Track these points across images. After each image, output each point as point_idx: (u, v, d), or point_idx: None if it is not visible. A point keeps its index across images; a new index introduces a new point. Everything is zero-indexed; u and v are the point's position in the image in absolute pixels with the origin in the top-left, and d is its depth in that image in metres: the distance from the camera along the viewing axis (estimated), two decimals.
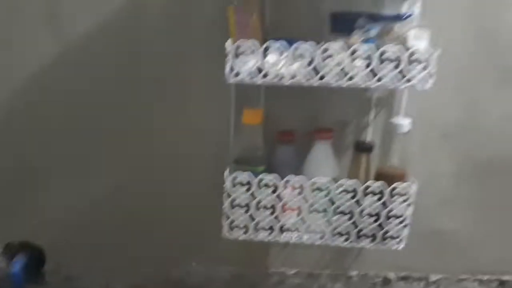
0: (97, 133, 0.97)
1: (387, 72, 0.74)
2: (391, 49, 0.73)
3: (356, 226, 0.86)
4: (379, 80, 0.75)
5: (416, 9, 0.83)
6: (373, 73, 0.74)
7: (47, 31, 0.91)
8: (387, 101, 0.92)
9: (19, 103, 0.95)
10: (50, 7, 0.90)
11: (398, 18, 0.81)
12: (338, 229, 0.86)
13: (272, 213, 0.85)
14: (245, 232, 0.87)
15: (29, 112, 0.96)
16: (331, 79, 0.75)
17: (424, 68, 0.74)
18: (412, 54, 0.73)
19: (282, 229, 0.87)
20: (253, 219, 0.85)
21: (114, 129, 0.96)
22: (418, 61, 0.74)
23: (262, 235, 0.87)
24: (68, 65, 0.93)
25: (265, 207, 0.85)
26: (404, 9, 0.84)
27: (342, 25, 0.79)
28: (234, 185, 0.83)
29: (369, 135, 0.93)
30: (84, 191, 1.00)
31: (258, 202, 0.84)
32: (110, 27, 0.90)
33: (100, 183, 1.00)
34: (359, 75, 0.75)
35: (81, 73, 0.93)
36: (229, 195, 0.84)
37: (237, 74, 0.76)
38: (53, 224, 1.02)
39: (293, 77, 0.76)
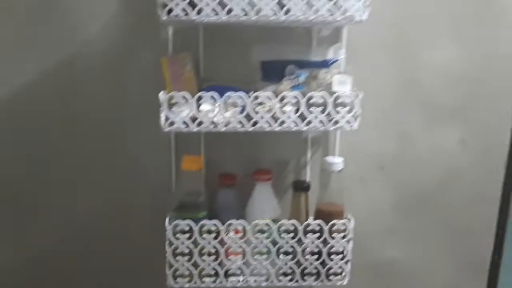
0: (36, 186, 0.94)
1: (315, 116, 0.78)
2: (317, 95, 0.77)
3: (299, 265, 0.87)
4: (308, 123, 0.78)
5: (341, 55, 0.89)
6: (302, 117, 0.78)
7: None
8: (322, 140, 0.96)
9: None
10: None
11: (325, 64, 0.86)
12: (283, 270, 0.87)
13: (216, 258, 0.85)
14: (190, 280, 0.85)
15: None
16: (263, 125, 0.78)
17: (350, 111, 0.79)
18: (337, 98, 0.78)
19: (227, 274, 0.86)
20: (197, 266, 0.85)
21: (53, 179, 0.94)
22: (343, 105, 0.78)
23: (208, 282, 0.86)
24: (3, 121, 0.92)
25: (209, 253, 0.84)
26: (330, 55, 0.89)
27: (272, 72, 0.83)
28: (175, 233, 0.83)
29: (308, 174, 0.96)
30: (22, 246, 0.97)
31: (201, 249, 0.84)
32: (47, 80, 0.90)
33: (39, 234, 0.96)
34: (290, 120, 0.78)
35: (19, 125, 0.92)
36: (171, 244, 0.83)
37: (172, 123, 0.77)
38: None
39: (227, 124, 0.78)
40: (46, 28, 0.88)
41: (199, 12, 0.72)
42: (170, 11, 0.72)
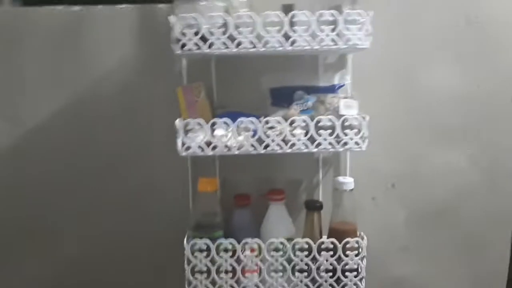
0: (60, 206, 0.99)
1: (324, 139, 0.81)
2: (325, 118, 0.81)
3: (315, 283, 0.89)
4: (318, 145, 0.82)
5: (347, 80, 0.92)
6: (312, 139, 0.81)
7: (7, 123, 0.97)
8: (334, 161, 0.99)
9: None
10: (9, 101, 0.96)
11: (332, 89, 0.90)
12: (298, 287, 0.89)
13: (233, 276, 0.88)
14: None
15: None
16: (275, 147, 0.82)
17: (357, 133, 0.82)
18: (344, 121, 0.81)
19: None
20: (215, 283, 0.88)
21: (79, 200, 0.99)
22: (351, 127, 0.81)
23: None
24: (30, 151, 0.97)
25: (226, 271, 0.87)
26: (336, 81, 0.93)
27: (281, 98, 0.87)
28: (193, 252, 0.86)
29: (320, 194, 0.99)
30: (39, 267, 1.01)
31: (219, 267, 0.87)
32: (71, 108, 0.96)
33: (58, 255, 1.01)
34: (300, 142, 0.81)
35: (42, 156, 0.98)
36: (189, 262, 0.87)
37: (188, 148, 0.82)
38: None
39: (240, 147, 0.82)
40: (67, 63, 0.95)
41: (210, 46, 0.77)
42: (183, 45, 0.78)
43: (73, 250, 1.01)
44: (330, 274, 0.88)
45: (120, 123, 0.97)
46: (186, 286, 0.88)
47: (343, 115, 0.81)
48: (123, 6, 0.93)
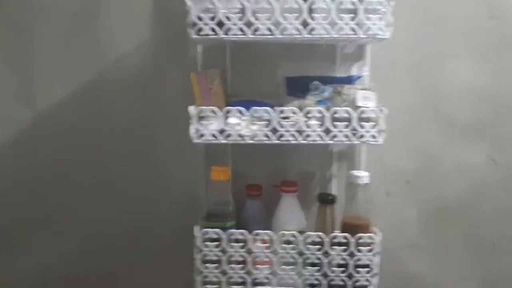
0: (72, 192, 1.00)
1: (340, 131, 0.80)
2: (341, 110, 0.79)
3: (326, 277, 0.87)
4: (333, 137, 0.80)
5: (365, 72, 0.91)
6: (327, 131, 0.80)
7: (21, 105, 0.97)
8: (348, 155, 0.97)
9: None
10: (24, 83, 0.97)
11: (349, 80, 0.88)
12: (309, 281, 0.88)
13: (244, 267, 0.87)
14: None
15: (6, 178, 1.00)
16: (289, 138, 0.80)
17: (374, 126, 0.80)
18: (361, 113, 0.79)
19: (254, 283, 0.88)
20: (225, 274, 0.87)
21: (88, 187, 1.00)
22: (368, 120, 0.80)
23: None
24: (43, 133, 0.98)
25: (236, 262, 0.87)
26: (354, 72, 0.91)
27: (297, 88, 0.86)
28: (204, 241, 0.86)
29: (334, 187, 0.97)
30: (58, 248, 1.02)
31: (229, 257, 0.87)
32: (83, 95, 0.97)
33: (74, 238, 1.01)
34: (315, 134, 0.80)
35: (55, 138, 0.98)
36: (200, 251, 0.86)
37: (201, 135, 0.81)
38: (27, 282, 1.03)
39: (253, 136, 0.81)
40: (82, 46, 0.95)
41: (227, 31, 0.76)
42: (199, 30, 0.77)
43: (78, 239, 1.01)
44: (342, 269, 0.87)
45: (133, 108, 0.97)
46: (195, 275, 0.87)
47: (360, 107, 0.80)
48: None
